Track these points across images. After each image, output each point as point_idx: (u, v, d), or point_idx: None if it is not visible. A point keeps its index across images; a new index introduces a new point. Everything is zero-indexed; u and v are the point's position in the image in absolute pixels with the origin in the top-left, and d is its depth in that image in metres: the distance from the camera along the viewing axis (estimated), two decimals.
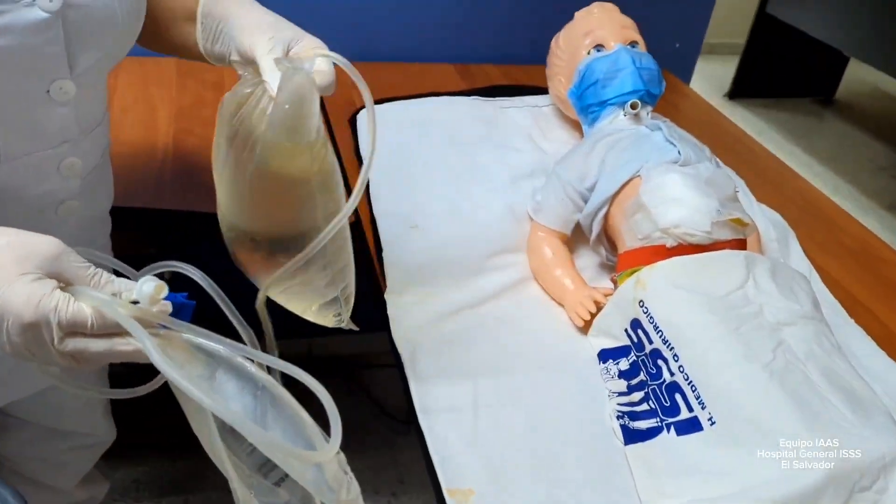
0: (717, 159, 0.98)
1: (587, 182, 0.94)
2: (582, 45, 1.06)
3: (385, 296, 0.88)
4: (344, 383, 1.69)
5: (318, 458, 0.51)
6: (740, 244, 0.84)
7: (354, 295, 0.74)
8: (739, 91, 3.57)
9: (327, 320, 0.74)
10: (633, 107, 0.98)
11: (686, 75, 1.73)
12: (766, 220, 1.03)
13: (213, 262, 0.63)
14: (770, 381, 0.70)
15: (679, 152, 0.89)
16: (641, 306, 0.80)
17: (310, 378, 0.50)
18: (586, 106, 1.05)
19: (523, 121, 1.21)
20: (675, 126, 0.99)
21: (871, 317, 0.96)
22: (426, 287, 0.89)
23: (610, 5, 1.11)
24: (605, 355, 0.84)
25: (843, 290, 1.00)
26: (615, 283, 0.88)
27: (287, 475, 0.52)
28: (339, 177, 0.67)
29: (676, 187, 0.84)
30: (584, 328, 0.87)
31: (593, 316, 0.86)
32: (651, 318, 0.79)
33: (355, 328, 0.76)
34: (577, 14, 1.12)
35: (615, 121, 1.01)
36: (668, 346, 0.76)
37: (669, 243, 0.83)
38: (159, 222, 1.00)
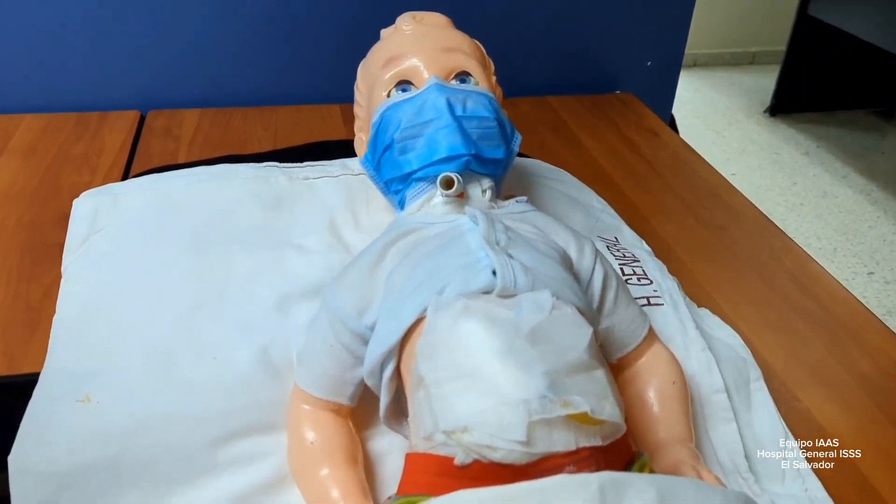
0: (608, 265, 0.58)
1: (368, 317, 0.53)
2: (380, 82, 0.64)
3: None
4: None
5: None
6: (599, 457, 0.43)
7: None
8: (782, 106, 3.08)
9: None
10: (447, 185, 0.56)
11: (665, 102, 1.31)
12: (708, 357, 0.61)
13: None
14: None
15: (494, 272, 0.49)
16: None
17: None
18: (387, 182, 0.64)
19: (332, 198, 0.77)
20: (527, 211, 0.59)
21: None
22: None
23: (434, 16, 0.68)
24: None
25: (861, 484, 0.58)
26: None
27: None
28: None
29: (470, 349, 0.44)
30: None
31: None
32: None
33: None
34: (382, 32, 0.69)
35: (427, 206, 0.59)
36: None
37: (460, 458, 0.43)
38: None
